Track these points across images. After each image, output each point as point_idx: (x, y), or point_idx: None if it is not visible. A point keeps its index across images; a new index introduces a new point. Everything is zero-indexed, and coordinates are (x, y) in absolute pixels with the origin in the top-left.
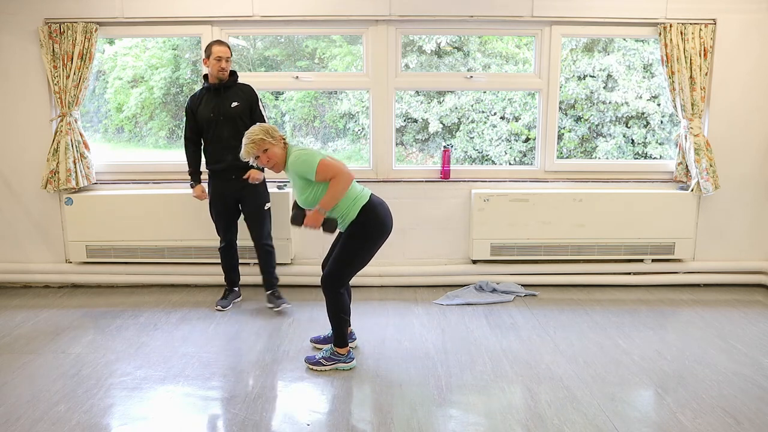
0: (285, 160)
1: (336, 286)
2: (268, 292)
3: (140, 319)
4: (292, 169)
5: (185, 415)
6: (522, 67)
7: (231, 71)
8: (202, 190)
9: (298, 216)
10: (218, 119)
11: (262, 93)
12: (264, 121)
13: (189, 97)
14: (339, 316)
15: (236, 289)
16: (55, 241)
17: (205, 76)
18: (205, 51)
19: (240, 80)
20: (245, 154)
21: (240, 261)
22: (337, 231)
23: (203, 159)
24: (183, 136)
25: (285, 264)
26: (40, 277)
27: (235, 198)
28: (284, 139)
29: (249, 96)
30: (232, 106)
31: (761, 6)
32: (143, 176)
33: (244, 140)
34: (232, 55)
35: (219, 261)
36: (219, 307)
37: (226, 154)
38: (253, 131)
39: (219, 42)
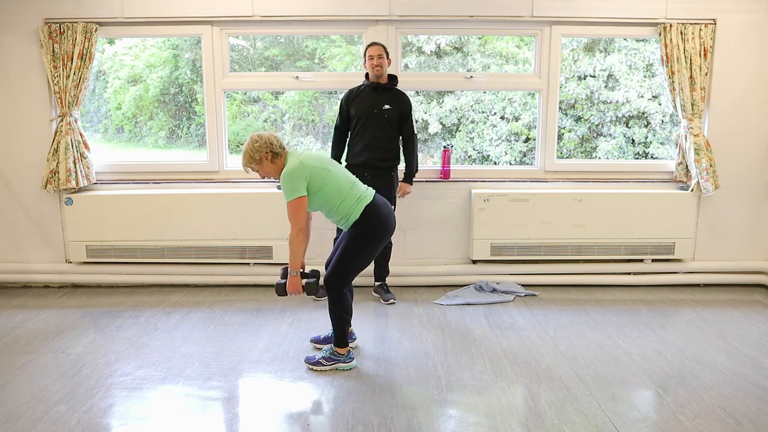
0: (283, 167)
1: (339, 286)
2: (377, 284)
3: (140, 319)
4: (281, 179)
5: (185, 415)
6: (522, 67)
7: (392, 76)
8: None
9: (280, 286)
10: (368, 117)
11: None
12: (413, 132)
13: (348, 90)
14: (341, 316)
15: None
16: (55, 241)
17: (367, 75)
18: (363, 55)
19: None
20: (241, 161)
21: (240, 261)
22: (314, 275)
23: (346, 152)
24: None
25: (285, 264)
26: (40, 277)
27: None
28: (284, 149)
29: (403, 104)
30: (384, 107)
31: (761, 6)
32: (143, 176)
33: (244, 146)
34: (388, 55)
35: (220, 261)
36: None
37: (366, 152)
38: (253, 145)
39: (372, 43)
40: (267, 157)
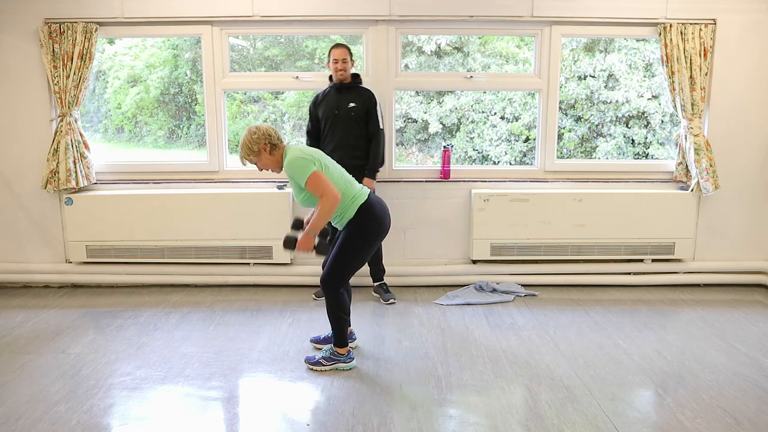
0: (281, 160)
1: (336, 285)
2: (376, 284)
3: (140, 319)
4: (286, 168)
5: (185, 415)
6: (522, 67)
7: (355, 74)
8: None
9: (290, 240)
10: (334, 117)
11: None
12: (378, 127)
13: (314, 95)
14: (339, 315)
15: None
16: (55, 241)
17: (330, 77)
18: (328, 56)
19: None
20: (239, 153)
21: (240, 261)
22: (325, 234)
23: None
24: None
25: (285, 264)
26: (40, 277)
27: None
28: (281, 141)
29: (367, 100)
30: (349, 106)
31: (761, 6)
32: (143, 176)
33: (241, 138)
34: (352, 56)
35: (220, 261)
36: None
37: (338, 152)
38: (251, 137)
39: (336, 45)
40: (265, 149)
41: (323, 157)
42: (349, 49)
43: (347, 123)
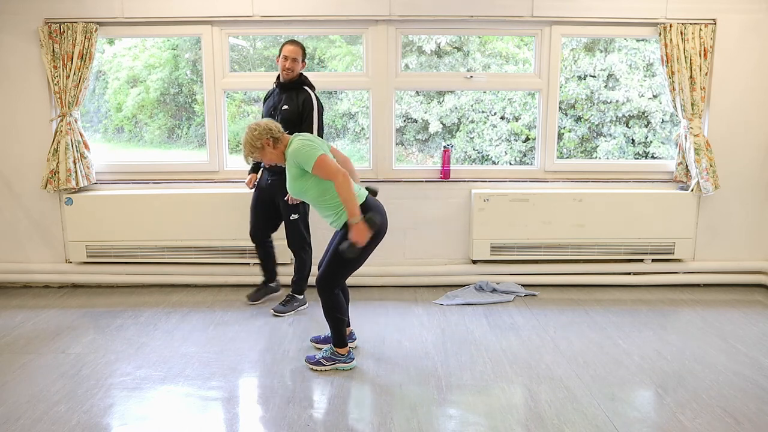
0: (284, 151)
1: (330, 286)
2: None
3: (140, 319)
4: (291, 157)
5: (185, 415)
6: (522, 67)
7: (300, 74)
8: (252, 179)
9: (349, 247)
10: (269, 118)
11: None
12: (311, 130)
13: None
14: (335, 316)
15: (272, 284)
16: (55, 241)
17: (279, 76)
18: (279, 51)
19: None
20: (243, 153)
21: (240, 261)
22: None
23: None
24: None
25: (284, 264)
26: (40, 277)
27: (270, 196)
28: (282, 133)
29: (301, 103)
30: (283, 108)
31: (761, 6)
32: (143, 176)
33: (243, 137)
34: (305, 57)
35: (220, 261)
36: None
37: None
38: (252, 134)
39: (290, 41)
40: (269, 144)
41: (327, 147)
42: (303, 49)
43: (281, 125)
